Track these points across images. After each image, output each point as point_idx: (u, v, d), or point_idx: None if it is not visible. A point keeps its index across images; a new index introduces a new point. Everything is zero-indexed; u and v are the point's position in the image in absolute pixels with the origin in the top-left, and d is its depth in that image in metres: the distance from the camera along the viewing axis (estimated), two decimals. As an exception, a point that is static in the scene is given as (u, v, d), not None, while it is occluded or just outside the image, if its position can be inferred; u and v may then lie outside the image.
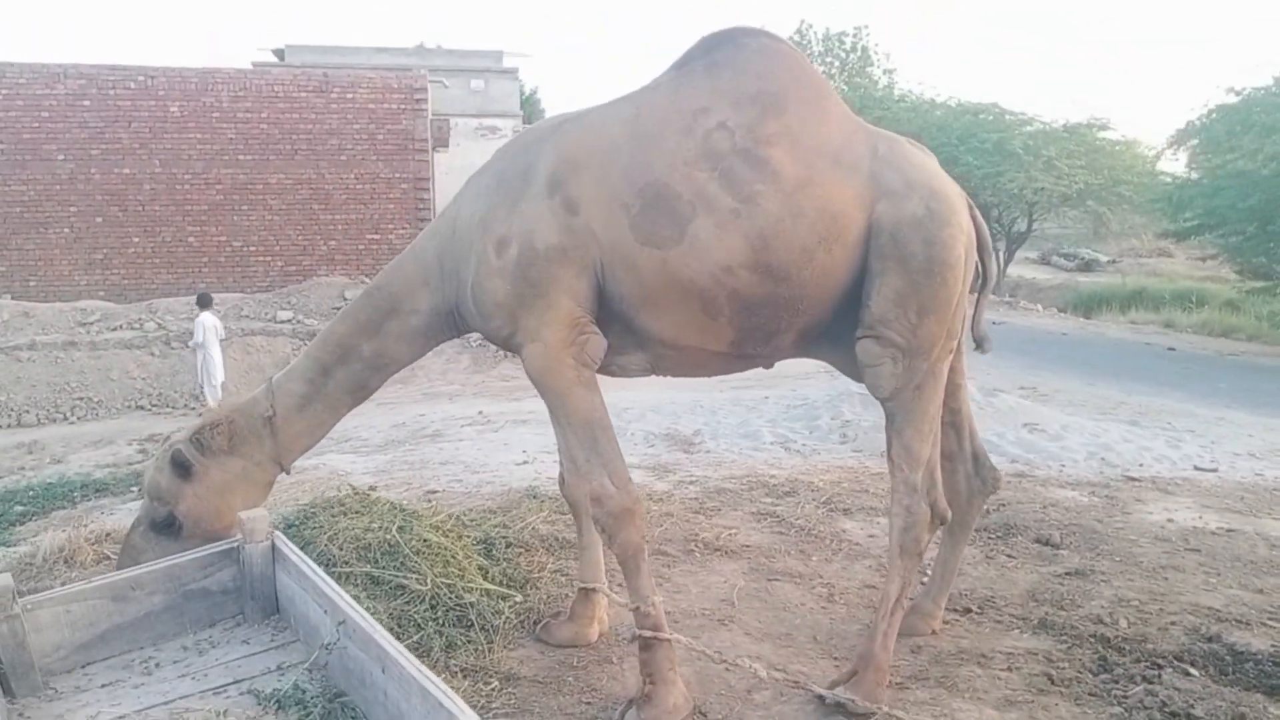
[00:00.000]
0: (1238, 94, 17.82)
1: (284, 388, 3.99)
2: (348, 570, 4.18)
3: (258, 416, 3.92)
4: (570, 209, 3.52)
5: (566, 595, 4.58)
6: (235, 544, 3.22)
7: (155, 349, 14.50)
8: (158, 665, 2.95)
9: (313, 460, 8.28)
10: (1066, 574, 4.95)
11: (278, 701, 2.64)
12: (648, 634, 3.51)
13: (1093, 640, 4.15)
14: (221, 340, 12.97)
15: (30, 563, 5.36)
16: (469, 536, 4.95)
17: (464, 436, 9.80)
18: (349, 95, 18.14)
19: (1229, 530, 5.69)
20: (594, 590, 4.22)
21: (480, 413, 11.39)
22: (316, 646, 2.81)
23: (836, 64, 35.77)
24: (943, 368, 3.76)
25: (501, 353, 14.92)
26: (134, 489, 8.81)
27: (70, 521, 6.31)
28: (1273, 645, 4.10)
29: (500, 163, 3.86)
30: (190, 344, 12.92)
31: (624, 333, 3.65)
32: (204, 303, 12.86)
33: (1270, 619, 4.40)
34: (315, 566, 3.00)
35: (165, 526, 3.73)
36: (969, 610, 4.56)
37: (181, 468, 3.75)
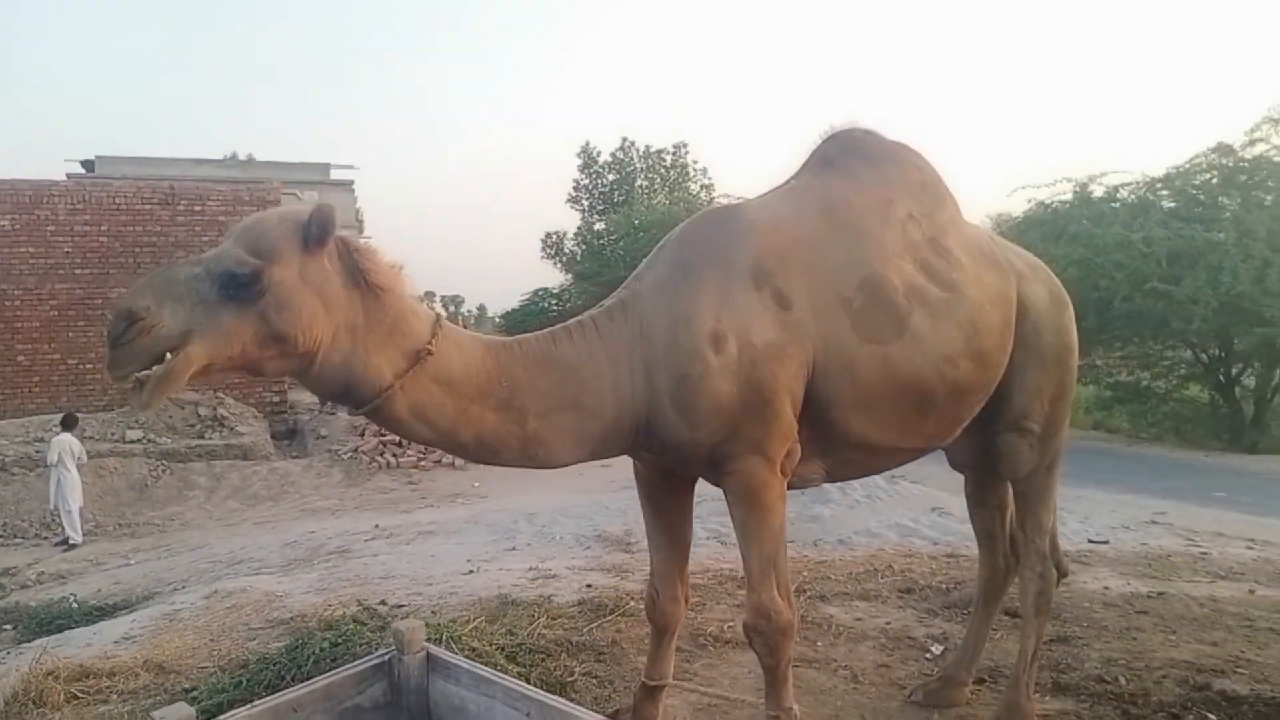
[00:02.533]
0: (1044, 204, 19.89)
1: (443, 349, 3.00)
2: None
3: (409, 330, 2.94)
4: (782, 303, 3.35)
5: (608, 698, 4.65)
6: (387, 656, 3.17)
7: (-8, 476, 13.34)
8: (330, 790, 2.87)
9: (231, 585, 7.91)
10: (1050, 641, 5.38)
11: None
12: None
13: (1109, 698, 4.56)
14: (81, 465, 12.12)
15: (-11, 707, 4.93)
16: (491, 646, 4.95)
17: (376, 551, 9.54)
18: (197, 208, 17.60)
19: (1160, 594, 6.33)
20: (657, 689, 4.27)
21: (377, 526, 11.10)
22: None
23: (658, 179, 37.51)
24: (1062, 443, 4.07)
25: (376, 464, 14.59)
26: (6, 627, 8.13)
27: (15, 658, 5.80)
28: (1251, 689, 4.62)
29: (675, 253, 3.52)
30: (48, 464, 11.98)
31: (814, 439, 3.47)
32: (68, 424, 12.05)
33: (1235, 667, 4.94)
34: (494, 672, 3.01)
35: (237, 285, 2.64)
36: (982, 680, 4.90)
37: (321, 231, 2.73)
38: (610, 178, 36.98)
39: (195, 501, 13.23)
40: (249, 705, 2.86)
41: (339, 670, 3.08)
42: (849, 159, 3.79)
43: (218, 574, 9.49)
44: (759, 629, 3.50)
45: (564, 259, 37.51)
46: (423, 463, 14.54)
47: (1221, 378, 19.31)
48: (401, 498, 13.32)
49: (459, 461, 14.70)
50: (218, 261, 2.65)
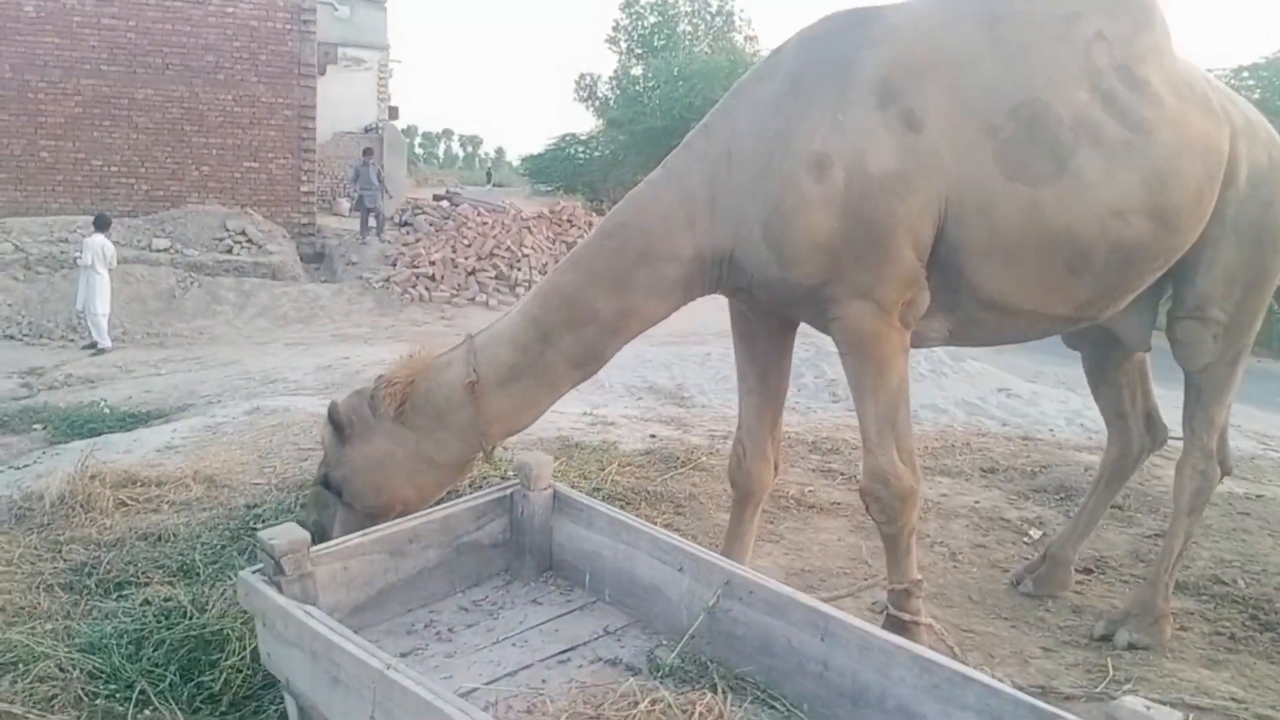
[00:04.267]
0: None
1: (488, 353, 3.10)
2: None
3: (451, 383, 3.08)
4: (912, 126, 2.88)
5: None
6: (509, 490, 2.81)
7: (18, 273, 12.98)
8: (450, 630, 2.55)
9: (273, 403, 7.63)
10: (1154, 535, 5.07)
11: (659, 672, 2.31)
12: (906, 617, 3.20)
13: (1231, 601, 4.25)
14: (111, 270, 11.73)
15: (32, 507, 4.67)
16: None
17: (417, 383, 9.23)
18: (229, 9, 16.71)
19: (1259, 496, 6.00)
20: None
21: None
22: (656, 608, 2.49)
23: (703, 25, 35.85)
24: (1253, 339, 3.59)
25: (409, 295, 14.21)
26: (36, 426, 7.89)
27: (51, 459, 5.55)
28: (1381, 604, 4.31)
29: (788, 64, 3.07)
30: (80, 264, 11.58)
31: (939, 290, 3.05)
32: (101, 224, 11.63)
33: (1357, 576, 4.62)
34: (634, 518, 2.66)
35: (330, 488, 3.20)
36: (1089, 570, 4.59)
37: (335, 426, 3.14)
38: (652, 20, 35.24)
39: (224, 317, 12.92)
40: (361, 532, 2.51)
41: (457, 501, 2.73)
42: None
43: (253, 391, 9.24)
44: (876, 495, 3.17)
45: (597, 104, 36.24)
46: (455, 299, 14.18)
47: None
48: (435, 332, 12.98)
49: (492, 301, 14.35)
50: (319, 471, 3.30)
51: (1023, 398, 8.50)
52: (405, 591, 2.59)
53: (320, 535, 3.05)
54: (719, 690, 2.17)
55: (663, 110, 29.56)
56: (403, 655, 2.39)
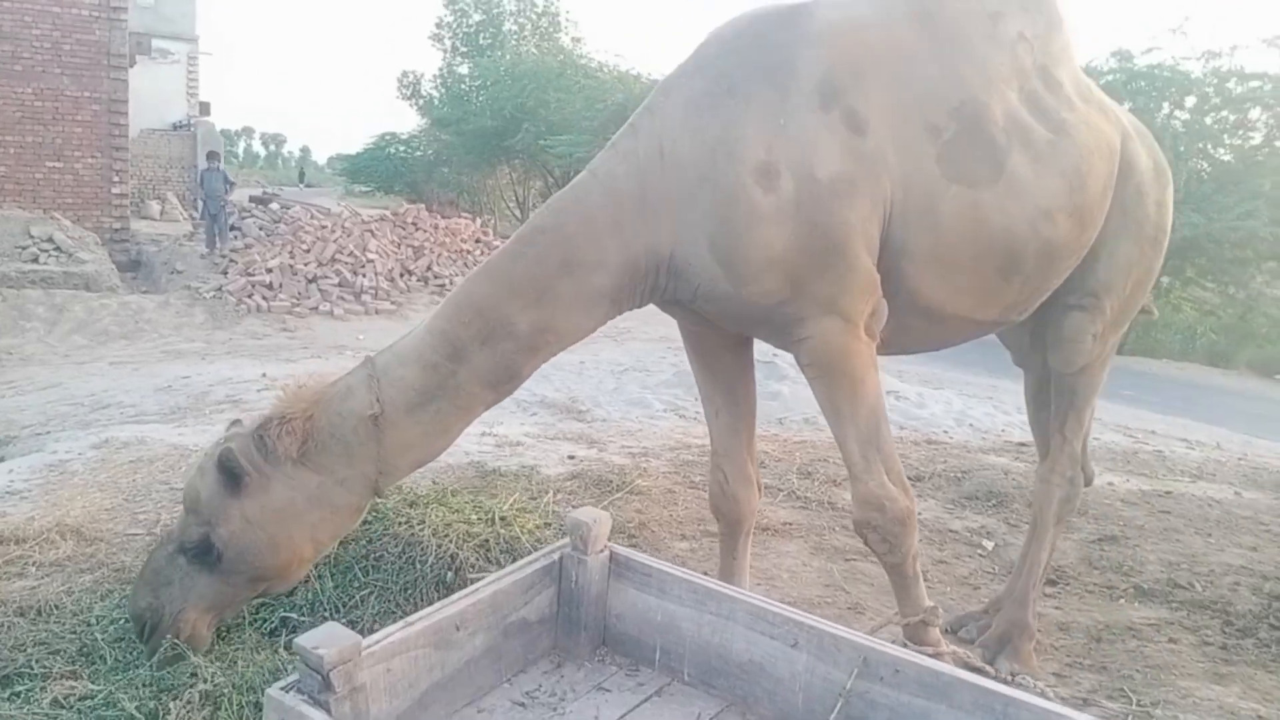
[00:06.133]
0: None
1: (393, 376, 2.76)
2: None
3: (352, 414, 2.72)
4: (855, 128, 2.73)
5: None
6: (557, 555, 2.37)
7: None
8: (514, 736, 2.10)
9: (123, 434, 6.78)
10: (1098, 540, 5.07)
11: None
12: (929, 651, 2.96)
13: (1201, 607, 4.26)
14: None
15: None
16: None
17: (278, 404, 8.44)
18: (24, 1, 15.00)
19: (1167, 493, 6.15)
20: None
21: (265, 375, 9.89)
22: (758, 690, 2.13)
23: (529, 25, 35.24)
24: None
25: (245, 306, 13.15)
26: None
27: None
28: (1325, 600, 4.42)
29: (720, 61, 2.87)
30: None
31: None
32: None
33: (1292, 576, 4.75)
34: (722, 584, 2.28)
35: (199, 554, 2.73)
36: (1052, 581, 4.52)
37: (230, 476, 2.68)
38: (476, 18, 34.34)
39: (35, 334, 11.54)
40: (403, 623, 2.04)
41: (504, 573, 2.28)
42: None
43: (85, 419, 8.20)
44: (873, 524, 2.98)
45: (421, 102, 35.05)
46: (297, 308, 13.22)
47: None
48: (278, 345, 12.04)
49: (337, 310, 13.48)
50: (178, 535, 2.80)
51: (911, 400, 8.57)
52: (451, 690, 2.12)
53: (153, 625, 2.77)
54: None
55: (492, 110, 28.82)
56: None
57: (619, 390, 8.27)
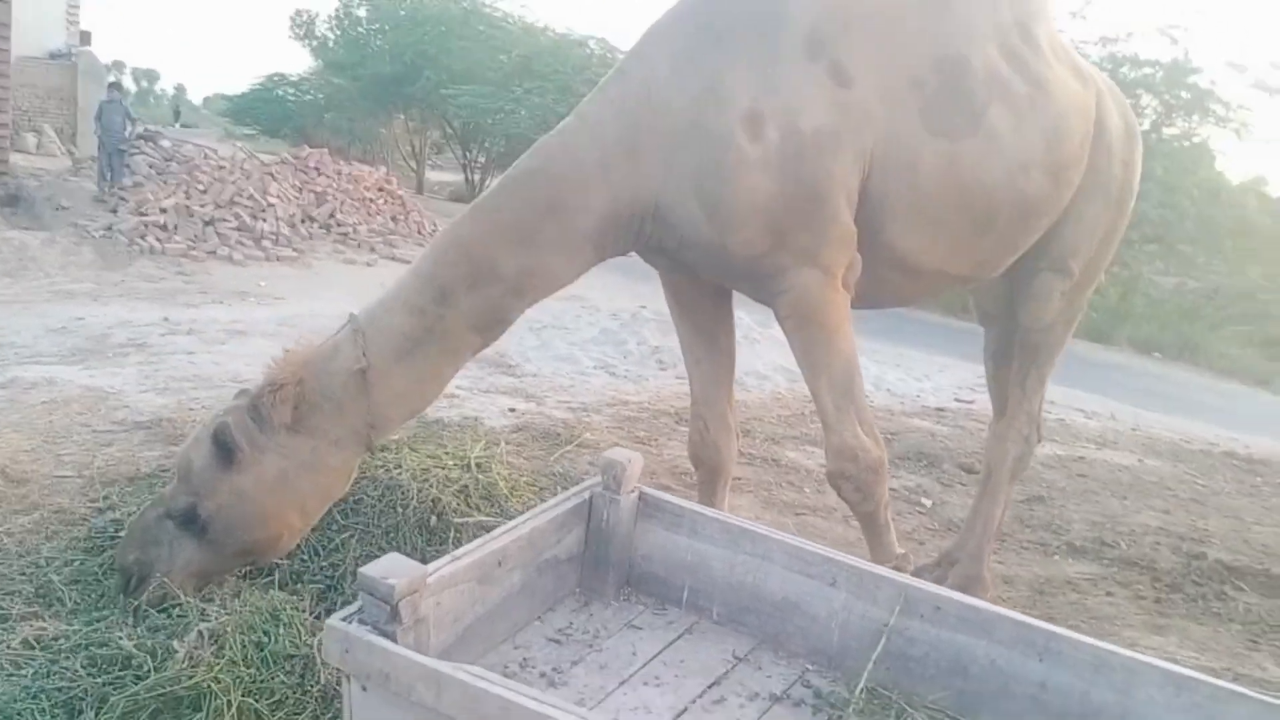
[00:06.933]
0: None
1: (380, 325, 2.73)
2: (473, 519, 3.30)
3: (340, 371, 2.69)
4: (841, 80, 2.77)
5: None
6: (588, 494, 2.35)
7: None
8: (556, 670, 2.08)
9: (30, 374, 6.44)
10: (1027, 500, 5.31)
11: (843, 707, 2.00)
12: None
13: (1129, 564, 4.51)
14: None
15: None
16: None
17: (188, 349, 8.09)
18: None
19: (1080, 458, 6.47)
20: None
21: (167, 319, 9.47)
22: (790, 627, 2.17)
23: (432, -28, 34.07)
24: None
25: (137, 247, 12.51)
26: None
27: None
28: (1235, 559, 4.73)
29: (707, 8, 2.89)
30: None
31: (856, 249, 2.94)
32: None
33: (1206, 536, 5.07)
34: (756, 524, 2.30)
35: (185, 522, 2.70)
36: (989, 539, 4.70)
37: (224, 450, 2.65)
38: (377, -44, 33.11)
39: (-94, 266, 10.77)
40: (450, 557, 2.00)
41: (538, 511, 2.26)
42: None
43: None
44: (846, 473, 3.02)
45: (315, 43, 33.71)
46: (193, 251, 12.63)
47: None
48: (175, 289, 11.49)
49: (236, 254, 12.95)
50: (168, 501, 2.74)
51: (830, 364, 8.73)
52: (489, 625, 2.10)
53: (138, 581, 2.72)
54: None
55: (391, 55, 27.95)
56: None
57: (545, 346, 8.20)
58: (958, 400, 8.45)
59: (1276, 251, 18.41)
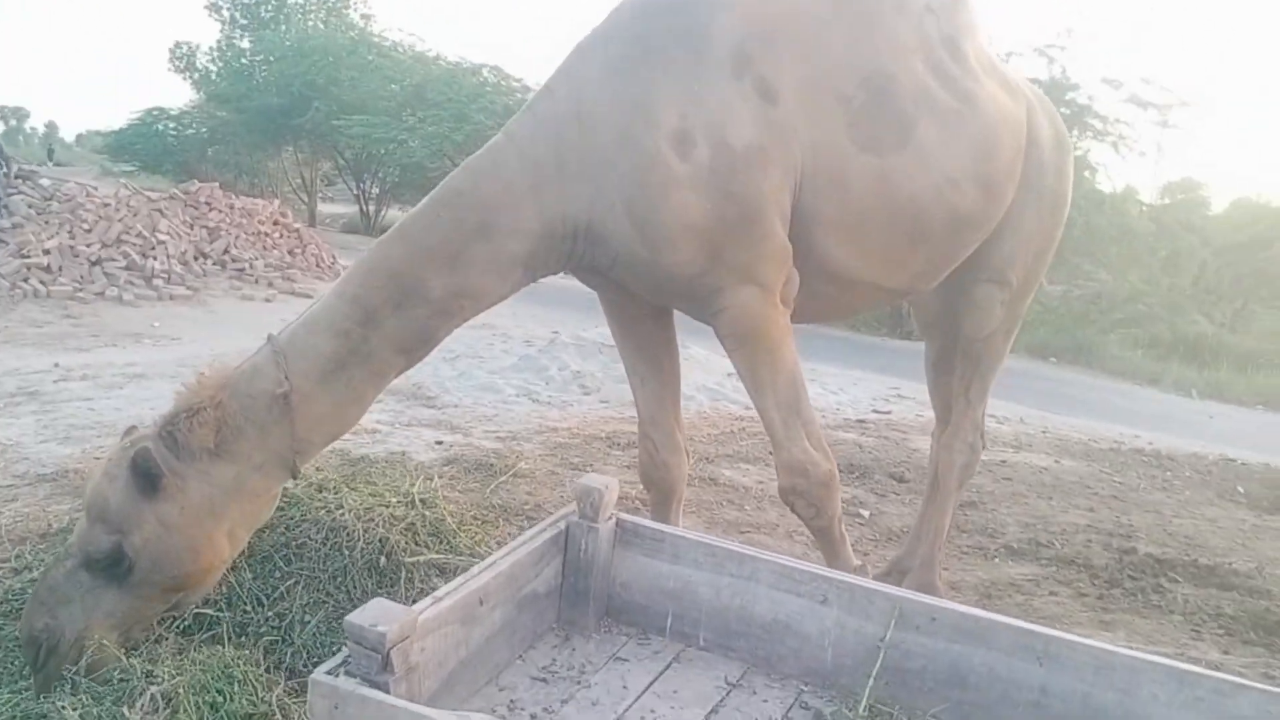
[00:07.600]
0: None
1: (302, 347, 2.65)
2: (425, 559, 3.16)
3: (261, 394, 2.60)
4: (767, 96, 2.77)
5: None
6: (564, 525, 2.26)
7: None
8: (548, 711, 1.99)
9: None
10: (960, 506, 5.32)
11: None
12: None
13: (1066, 562, 4.60)
14: None
15: None
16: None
17: (84, 395, 7.69)
18: None
19: (1002, 462, 6.60)
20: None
21: (58, 365, 8.99)
22: (782, 649, 2.12)
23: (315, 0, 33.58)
24: None
25: (20, 291, 11.89)
26: None
27: None
28: (1164, 552, 4.87)
29: (635, 25, 2.87)
30: None
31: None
32: None
33: (1132, 532, 5.20)
34: (741, 545, 2.24)
35: (108, 565, 2.52)
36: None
37: (146, 479, 2.49)
38: (257, -12, 32.45)
39: None
40: (431, 599, 1.90)
41: (516, 544, 2.16)
42: None
43: None
44: (798, 489, 3.01)
45: (196, 76, 32.77)
46: (80, 293, 12.07)
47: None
48: (64, 333, 10.93)
49: (126, 295, 12.42)
50: (80, 547, 2.55)
51: (749, 382, 8.77)
52: (473, 668, 1.99)
53: (47, 651, 2.49)
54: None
55: (278, 87, 27.36)
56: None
57: (464, 376, 8.03)
58: (875, 411, 8.57)
59: (1153, 257, 19.34)
